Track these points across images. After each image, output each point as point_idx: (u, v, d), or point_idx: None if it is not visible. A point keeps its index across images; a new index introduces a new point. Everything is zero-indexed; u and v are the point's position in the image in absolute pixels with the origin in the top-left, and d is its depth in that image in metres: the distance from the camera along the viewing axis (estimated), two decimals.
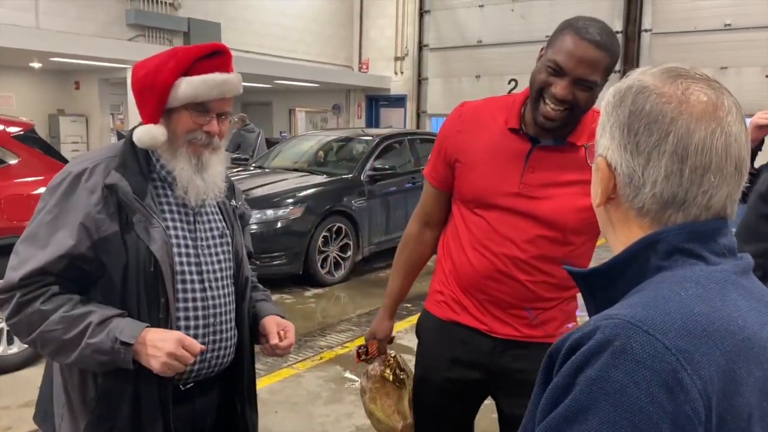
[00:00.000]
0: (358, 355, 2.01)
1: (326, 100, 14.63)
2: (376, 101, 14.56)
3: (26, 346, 4.08)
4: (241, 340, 1.61)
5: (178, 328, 1.46)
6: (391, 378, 1.92)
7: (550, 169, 1.63)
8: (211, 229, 1.56)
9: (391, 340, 2.01)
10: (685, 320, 0.69)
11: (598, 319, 0.72)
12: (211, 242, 1.55)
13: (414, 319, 3.46)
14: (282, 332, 1.62)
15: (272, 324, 1.64)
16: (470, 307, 1.75)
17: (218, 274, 1.54)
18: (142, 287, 1.41)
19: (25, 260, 1.39)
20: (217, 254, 1.55)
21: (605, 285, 0.81)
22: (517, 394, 1.69)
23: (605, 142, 0.82)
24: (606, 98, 0.85)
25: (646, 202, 0.78)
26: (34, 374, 3.98)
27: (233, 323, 1.58)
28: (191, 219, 1.52)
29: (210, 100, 1.46)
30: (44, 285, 1.39)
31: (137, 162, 1.46)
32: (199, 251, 1.52)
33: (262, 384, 3.95)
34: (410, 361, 1.98)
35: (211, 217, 1.57)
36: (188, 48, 1.48)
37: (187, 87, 1.43)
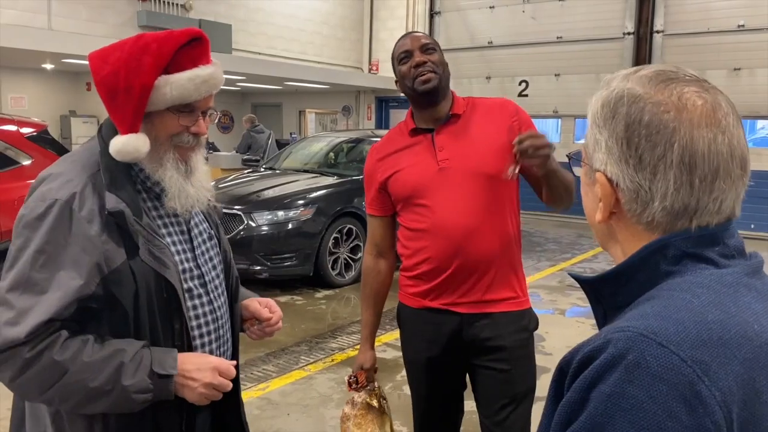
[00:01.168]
0: (349, 384, 2.11)
1: (336, 101, 14.63)
2: (386, 102, 14.54)
3: None
4: (235, 342, 1.57)
5: (195, 348, 1.38)
6: (376, 405, 2.06)
7: (453, 140, 1.95)
8: (201, 234, 1.46)
9: (375, 369, 2.17)
10: (700, 329, 0.67)
11: (609, 331, 0.69)
12: (204, 248, 1.45)
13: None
14: (266, 309, 1.57)
15: (255, 303, 1.58)
16: (436, 291, 1.96)
17: (216, 281, 1.47)
18: (156, 315, 1.29)
19: (24, 311, 1.17)
20: (211, 259, 1.47)
21: (613, 291, 0.79)
22: (488, 357, 1.98)
23: (601, 156, 0.79)
24: (593, 109, 0.81)
25: (656, 215, 0.75)
26: None
27: (230, 324, 1.53)
28: (185, 229, 1.41)
29: (195, 99, 1.30)
30: (51, 333, 1.19)
31: (123, 176, 1.29)
32: (198, 262, 1.42)
33: (274, 386, 3.94)
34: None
35: (199, 219, 1.47)
36: (161, 37, 1.27)
37: (172, 88, 1.26)
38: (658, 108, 0.74)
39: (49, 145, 4.37)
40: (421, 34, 2.02)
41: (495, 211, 1.93)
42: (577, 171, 0.89)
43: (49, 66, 10.44)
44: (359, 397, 2.07)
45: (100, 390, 1.20)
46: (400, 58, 1.97)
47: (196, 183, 1.37)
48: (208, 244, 1.47)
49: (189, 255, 1.39)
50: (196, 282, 1.40)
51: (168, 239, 1.35)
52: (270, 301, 1.61)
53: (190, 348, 1.36)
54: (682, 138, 0.72)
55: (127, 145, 1.26)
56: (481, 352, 1.99)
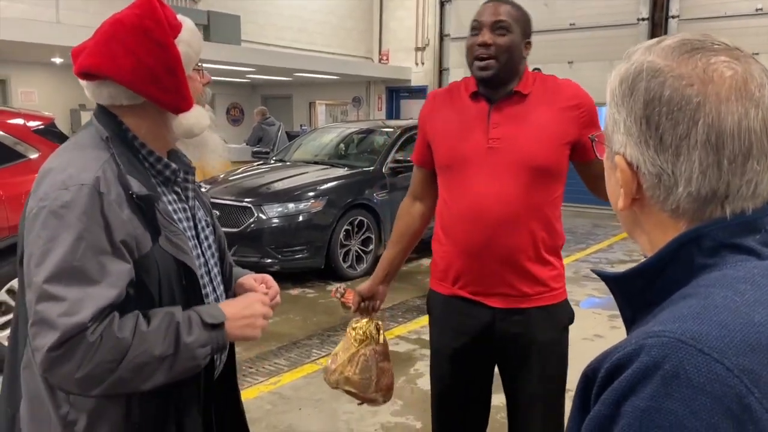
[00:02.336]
0: (335, 290, 2.18)
1: (346, 92, 14.56)
2: (397, 93, 14.44)
3: None
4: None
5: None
6: (352, 335, 2.02)
7: (512, 121, 1.81)
8: (200, 220, 1.43)
9: (374, 307, 2.10)
10: (746, 333, 0.58)
11: (641, 336, 0.61)
12: (206, 233, 1.44)
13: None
14: (263, 285, 1.51)
15: (250, 280, 1.53)
16: (467, 278, 1.87)
17: (215, 269, 1.46)
18: (176, 302, 1.26)
19: (79, 301, 1.12)
20: (210, 246, 1.45)
21: (642, 288, 0.71)
22: (517, 357, 1.90)
23: (620, 138, 0.71)
24: (610, 87, 0.74)
25: (681, 202, 0.68)
26: None
27: None
28: (189, 215, 1.39)
29: (200, 51, 1.32)
30: (107, 316, 1.16)
31: (137, 161, 1.27)
32: (203, 248, 1.41)
33: (286, 380, 3.89)
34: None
35: (198, 203, 1.44)
36: (141, 13, 1.23)
37: (189, 48, 1.27)
38: (680, 82, 0.66)
39: (56, 138, 4.33)
40: (502, 8, 1.80)
41: (536, 204, 1.81)
42: (600, 155, 0.82)
43: (58, 60, 10.44)
44: (350, 324, 2.07)
45: (165, 355, 1.18)
46: (472, 26, 1.83)
47: (215, 132, 1.41)
48: (207, 232, 1.45)
49: (196, 242, 1.38)
50: (203, 270, 1.38)
51: (181, 225, 1.32)
52: (266, 276, 1.55)
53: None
54: (707, 114, 0.65)
55: (197, 118, 1.29)
56: (512, 349, 1.90)
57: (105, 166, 1.20)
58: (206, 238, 1.44)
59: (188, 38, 1.28)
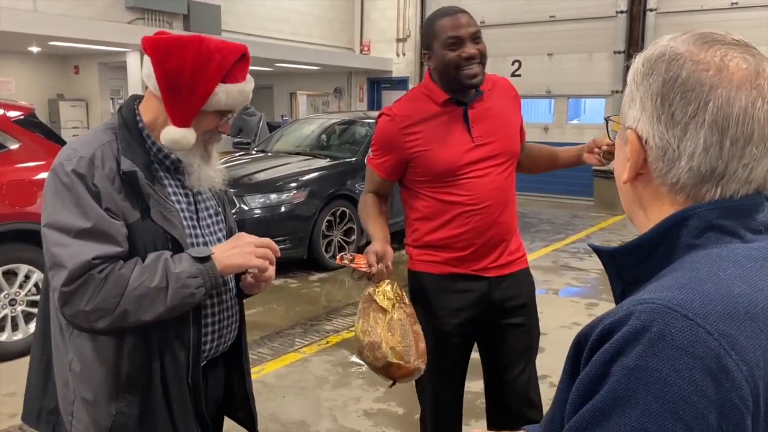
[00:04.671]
0: (341, 257, 1.95)
1: (327, 83, 14.51)
2: (378, 84, 14.44)
3: (32, 331, 4.07)
4: (241, 315, 1.68)
5: (200, 309, 1.49)
6: (377, 300, 1.88)
7: (484, 118, 2.04)
8: (207, 209, 1.59)
9: (388, 267, 1.92)
10: (726, 302, 0.64)
11: (631, 303, 0.67)
12: (209, 221, 1.59)
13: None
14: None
15: None
16: (467, 259, 2.05)
17: None
18: None
19: (84, 245, 1.33)
20: (215, 233, 1.59)
21: (633, 264, 0.77)
22: (512, 314, 2.14)
23: (635, 113, 0.77)
24: (634, 67, 0.79)
25: (681, 176, 0.73)
26: None
27: (236, 298, 1.64)
28: (191, 200, 1.55)
29: (236, 108, 1.51)
30: (113, 262, 1.36)
31: (138, 146, 1.46)
32: (203, 231, 1.55)
33: (269, 369, 3.93)
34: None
35: (206, 196, 1.60)
36: (222, 47, 1.45)
37: (227, 97, 1.44)
38: (697, 66, 0.72)
39: (37, 128, 4.30)
40: (467, 18, 1.97)
41: (512, 185, 2.12)
42: (612, 135, 0.89)
43: (35, 49, 10.29)
44: (367, 288, 1.91)
45: (159, 286, 1.36)
46: (448, 42, 1.94)
47: (213, 166, 1.56)
48: (214, 219, 1.61)
49: (195, 223, 1.53)
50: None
51: (177, 206, 1.49)
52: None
53: (198, 308, 1.47)
54: (718, 98, 0.70)
55: (184, 137, 1.45)
56: (507, 311, 2.13)
57: (105, 146, 1.42)
58: (212, 224, 1.59)
59: (232, 90, 1.45)
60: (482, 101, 2.05)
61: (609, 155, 2.02)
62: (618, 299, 0.80)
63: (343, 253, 1.98)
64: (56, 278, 1.34)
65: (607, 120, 0.90)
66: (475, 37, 1.96)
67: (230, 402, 1.70)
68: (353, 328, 2.15)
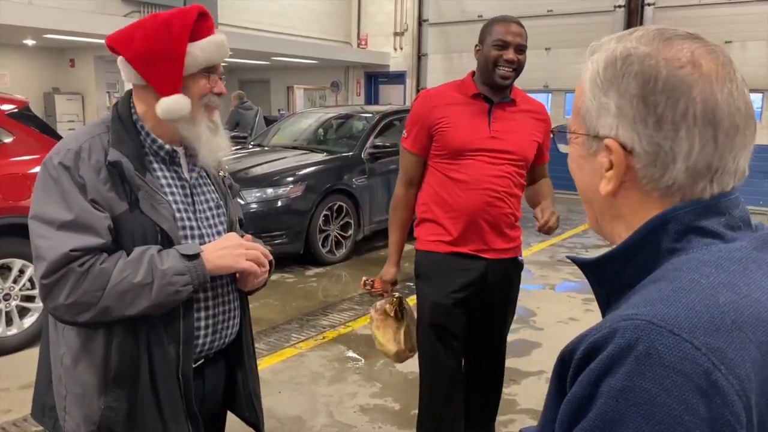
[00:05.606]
0: (364, 284, 2.55)
1: (325, 77, 14.47)
2: (375, 78, 14.40)
3: (26, 326, 4.05)
4: (243, 311, 1.65)
5: (193, 302, 1.47)
6: (392, 313, 2.46)
7: (506, 119, 2.35)
8: (207, 201, 1.57)
9: (395, 283, 2.55)
10: (712, 313, 0.62)
11: (614, 319, 0.64)
12: (208, 213, 1.56)
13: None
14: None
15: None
16: (468, 239, 2.33)
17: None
18: None
19: (64, 237, 1.33)
20: (215, 225, 1.57)
21: (615, 273, 0.75)
22: (499, 298, 2.46)
23: (610, 120, 0.73)
24: (592, 72, 0.75)
25: (677, 178, 0.71)
26: (34, 356, 3.94)
27: (237, 293, 1.61)
28: (188, 192, 1.53)
29: (218, 62, 1.50)
30: (95, 255, 1.36)
31: (130, 138, 1.45)
32: (200, 223, 1.53)
33: (265, 364, 3.92)
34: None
35: (205, 188, 1.58)
36: (177, 13, 1.46)
37: (201, 52, 1.44)
38: (672, 64, 0.70)
39: (31, 122, 4.26)
40: (519, 30, 2.29)
41: (518, 183, 2.38)
42: (563, 148, 0.84)
43: (30, 42, 10.23)
44: (379, 303, 2.48)
45: (143, 283, 1.35)
46: (497, 43, 2.26)
47: (222, 136, 1.54)
48: (214, 211, 1.58)
49: (190, 215, 1.51)
50: (197, 241, 1.50)
51: (170, 198, 1.47)
52: (258, 244, 1.64)
53: (189, 302, 1.45)
54: (701, 93, 0.69)
55: (175, 103, 1.43)
56: (497, 294, 2.43)
57: (94, 138, 1.42)
58: (210, 217, 1.57)
59: (205, 45, 1.45)
60: (509, 107, 2.35)
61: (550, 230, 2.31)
62: (603, 308, 0.78)
63: (365, 279, 2.57)
64: (37, 270, 1.35)
65: (553, 132, 0.88)
66: (520, 48, 2.27)
67: (235, 400, 1.68)
68: (372, 335, 2.57)
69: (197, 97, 1.47)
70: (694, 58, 0.70)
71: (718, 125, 0.69)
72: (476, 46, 2.34)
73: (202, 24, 1.46)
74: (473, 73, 2.39)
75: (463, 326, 2.44)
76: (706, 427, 0.58)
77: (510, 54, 2.25)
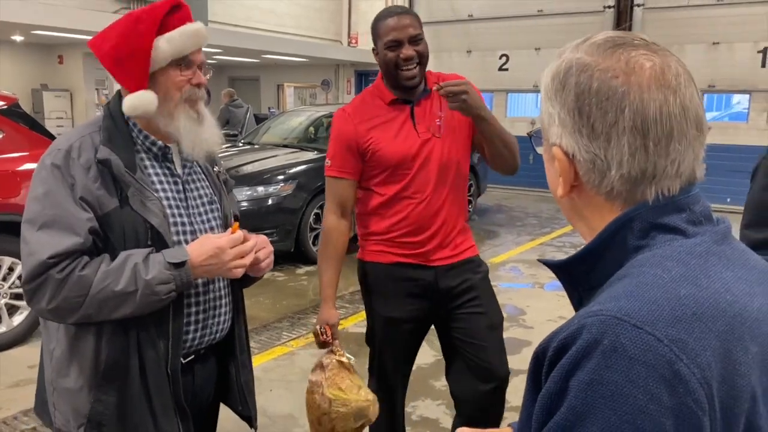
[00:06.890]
0: (320, 335, 2.14)
1: (315, 75, 14.45)
2: (366, 76, 14.39)
3: (15, 324, 4.03)
4: (236, 306, 1.65)
5: (183, 298, 1.48)
6: (345, 361, 2.08)
7: (429, 116, 2.14)
8: (200, 197, 1.57)
9: (337, 325, 2.21)
10: (673, 306, 0.65)
11: (582, 316, 0.68)
12: (201, 209, 1.56)
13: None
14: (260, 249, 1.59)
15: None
16: (413, 249, 2.15)
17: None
18: None
19: (43, 243, 1.34)
20: (208, 221, 1.57)
21: (585, 272, 0.78)
22: (463, 299, 2.20)
23: (556, 130, 0.77)
24: (544, 83, 0.80)
25: (614, 184, 0.74)
26: (24, 353, 3.93)
27: (229, 288, 1.61)
28: (181, 188, 1.53)
29: (190, 52, 1.46)
30: (75, 259, 1.36)
31: (121, 135, 1.46)
32: (192, 219, 1.53)
33: (256, 362, 3.92)
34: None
35: (199, 184, 1.58)
36: (148, 8, 1.45)
37: (168, 44, 1.42)
38: (606, 74, 0.73)
39: (20, 119, 4.24)
40: (408, 20, 2.06)
41: (461, 178, 2.20)
42: (539, 150, 0.88)
43: (18, 38, 10.14)
44: (327, 359, 2.08)
45: (125, 291, 1.35)
46: (389, 45, 2.05)
47: (208, 128, 1.52)
48: (207, 207, 1.58)
49: (182, 211, 1.51)
50: (189, 237, 1.50)
51: (162, 194, 1.47)
52: (262, 238, 1.62)
53: (180, 298, 1.45)
54: (632, 102, 0.71)
55: (139, 99, 1.43)
56: (457, 297, 2.20)
57: (85, 137, 1.43)
58: (204, 212, 1.57)
59: (172, 37, 1.43)
60: (428, 98, 2.15)
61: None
62: (577, 307, 0.81)
63: (318, 328, 2.16)
64: (23, 274, 1.38)
65: (530, 136, 0.91)
66: (415, 39, 2.05)
67: (229, 394, 1.69)
68: (330, 400, 2.04)
69: (173, 90, 1.46)
70: (628, 67, 0.73)
71: (647, 134, 0.71)
72: (373, 49, 2.16)
73: (174, 16, 1.45)
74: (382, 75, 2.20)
75: (415, 341, 2.30)
76: (670, 415, 0.61)
77: (406, 50, 2.04)
